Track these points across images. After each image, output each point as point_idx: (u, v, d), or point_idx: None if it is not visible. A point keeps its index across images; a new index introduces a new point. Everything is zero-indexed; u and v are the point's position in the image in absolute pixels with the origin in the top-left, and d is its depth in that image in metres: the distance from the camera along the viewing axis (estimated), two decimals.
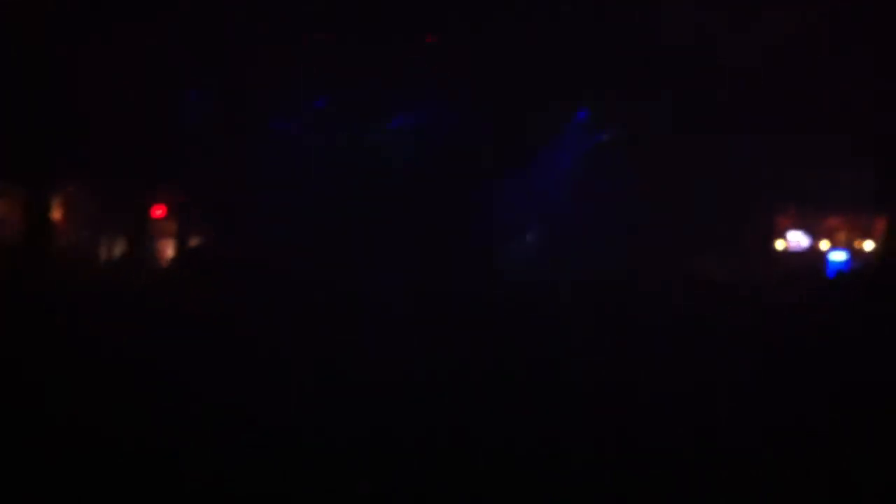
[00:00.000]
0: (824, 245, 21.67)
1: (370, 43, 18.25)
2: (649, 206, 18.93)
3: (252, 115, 19.48)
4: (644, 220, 18.94)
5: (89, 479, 4.46)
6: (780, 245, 21.18)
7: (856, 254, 21.28)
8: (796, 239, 21.54)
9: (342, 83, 18.88)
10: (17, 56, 15.77)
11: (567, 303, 10.05)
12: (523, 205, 20.10)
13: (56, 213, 20.26)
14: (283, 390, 6.18)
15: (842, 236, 21.77)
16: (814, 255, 21.29)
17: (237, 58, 18.21)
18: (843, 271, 19.15)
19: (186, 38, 17.32)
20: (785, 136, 18.49)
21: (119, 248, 20.83)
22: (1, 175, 18.34)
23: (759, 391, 5.98)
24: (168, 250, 21.33)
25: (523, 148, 19.50)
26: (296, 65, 18.54)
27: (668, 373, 6.09)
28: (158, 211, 21.56)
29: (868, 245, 21.39)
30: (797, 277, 16.62)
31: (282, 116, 19.80)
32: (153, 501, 4.40)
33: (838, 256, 21.21)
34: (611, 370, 6.57)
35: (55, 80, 16.01)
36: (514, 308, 9.41)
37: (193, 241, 20.65)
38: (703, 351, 6.84)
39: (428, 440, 5.18)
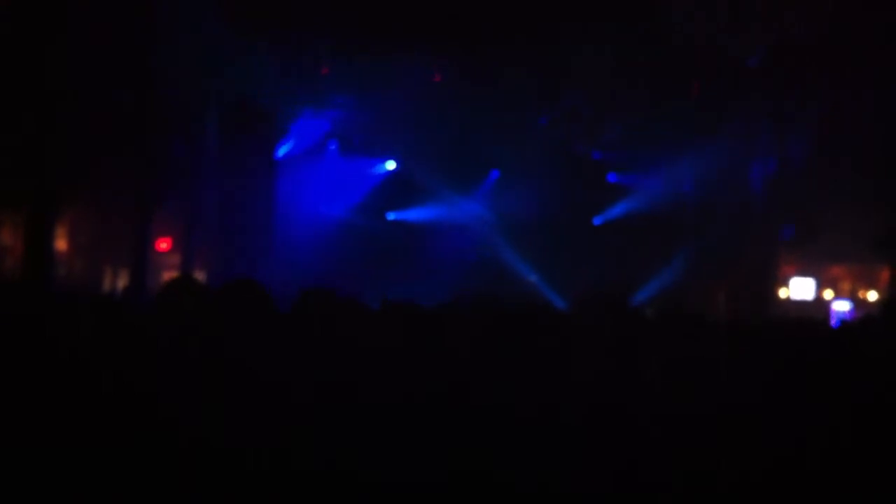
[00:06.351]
0: (828, 294, 21.53)
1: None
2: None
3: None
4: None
5: None
6: (782, 293, 21.04)
7: (859, 304, 21.13)
8: (800, 286, 21.39)
9: None
10: (19, 78, 15.73)
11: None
12: None
13: (59, 243, 20.14)
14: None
15: (846, 286, 21.62)
16: (817, 304, 21.14)
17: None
18: (846, 321, 18.96)
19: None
20: (791, 180, 18.50)
21: (121, 281, 20.70)
22: (2, 202, 18.27)
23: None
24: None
25: None
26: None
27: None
28: (163, 244, 21.26)
29: (872, 295, 21.24)
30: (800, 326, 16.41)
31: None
32: None
33: (842, 306, 21.05)
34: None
35: (54, 101, 15.93)
36: None
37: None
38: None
39: None
